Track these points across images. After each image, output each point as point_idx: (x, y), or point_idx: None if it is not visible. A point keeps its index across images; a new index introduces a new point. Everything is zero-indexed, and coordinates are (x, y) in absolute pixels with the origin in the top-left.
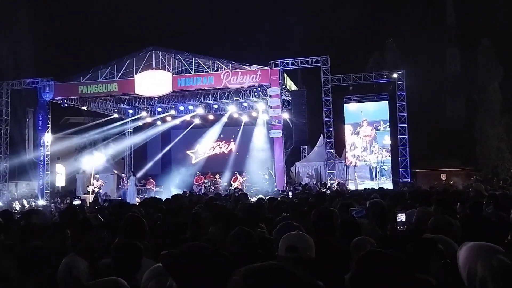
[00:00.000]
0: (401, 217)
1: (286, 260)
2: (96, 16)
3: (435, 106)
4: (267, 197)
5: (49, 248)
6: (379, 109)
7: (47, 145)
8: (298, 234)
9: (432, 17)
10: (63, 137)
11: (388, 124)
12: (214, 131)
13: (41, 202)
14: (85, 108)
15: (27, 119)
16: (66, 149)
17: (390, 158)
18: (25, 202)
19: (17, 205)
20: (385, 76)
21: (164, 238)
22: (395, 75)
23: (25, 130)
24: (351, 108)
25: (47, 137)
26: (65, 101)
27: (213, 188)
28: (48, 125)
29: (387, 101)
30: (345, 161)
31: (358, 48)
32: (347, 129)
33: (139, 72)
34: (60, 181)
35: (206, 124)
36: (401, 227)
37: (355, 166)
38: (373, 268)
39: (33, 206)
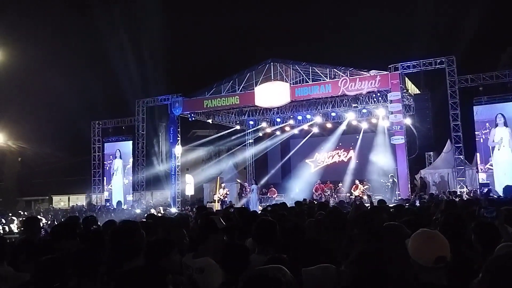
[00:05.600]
0: None
1: (436, 271)
2: (217, 35)
3: None
4: (391, 205)
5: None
6: None
7: (178, 157)
8: (446, 242)
9: None
10: (191, 149)
11: None
12: (333, 140)
13: (173, 209)
14: (210, 121)
15: (160, 133)
16: (194, 160)
17: None
18: (161, 209)
19: (154, 212)
20: None
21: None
22: None
23: (158, 143)
24: (482, 110)
25: (178, 149)
26: (192, 115)
27: (334, 197)
28: (178, 138)
29: None
30: (477, 167)
31: (488, 45)
32: (478, 132)
33: (259, 84)
34: (189, 190)
35: (324, 133)
36: None
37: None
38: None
39: (166, 213)
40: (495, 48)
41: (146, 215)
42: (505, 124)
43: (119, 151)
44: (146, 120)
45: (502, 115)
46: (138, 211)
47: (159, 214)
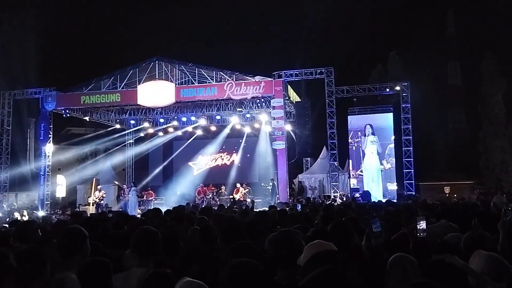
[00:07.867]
0: (422, 224)
1: None
2: (99, 27)
3: (438, 118)
4: (272, 209)
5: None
6: (383, 121)
7: (48, 156)
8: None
9: (434, 30)
10: (65, 147)
11: (393, 136)
12: (217, 142)
13: (41, 213)
14: (87, 118)
15: (28, 129)
16: (67, 160)
17: (393, 169)
18: (25, 213)
19: (18, 216)
20: (387, 89)
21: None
22: (398, 87)
23: (26, 140)
24: (355, 120)
25: (49, 148)
26: (67, 111)
27: (215, 200)
28: (49, 136)
29: (391, 113)
30: (349, 173)
31: (362, 60)
32: (351, 140)
33: (142, 82)
34: (61, 192)
35: (209, 135)
36: (421, 234)
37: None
38: None
39: (33, 217)
40: (369, 63)
41: (8, 219)
42: (373, 134)
43: None
44: (13, 114)
45: (370, 125)
46: None
47: (24, 218)
